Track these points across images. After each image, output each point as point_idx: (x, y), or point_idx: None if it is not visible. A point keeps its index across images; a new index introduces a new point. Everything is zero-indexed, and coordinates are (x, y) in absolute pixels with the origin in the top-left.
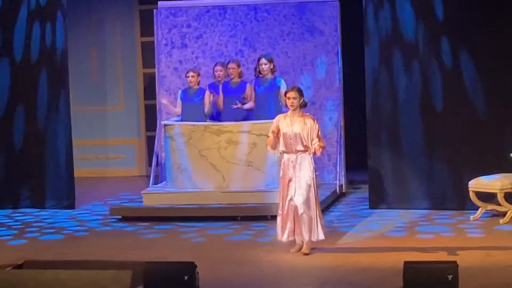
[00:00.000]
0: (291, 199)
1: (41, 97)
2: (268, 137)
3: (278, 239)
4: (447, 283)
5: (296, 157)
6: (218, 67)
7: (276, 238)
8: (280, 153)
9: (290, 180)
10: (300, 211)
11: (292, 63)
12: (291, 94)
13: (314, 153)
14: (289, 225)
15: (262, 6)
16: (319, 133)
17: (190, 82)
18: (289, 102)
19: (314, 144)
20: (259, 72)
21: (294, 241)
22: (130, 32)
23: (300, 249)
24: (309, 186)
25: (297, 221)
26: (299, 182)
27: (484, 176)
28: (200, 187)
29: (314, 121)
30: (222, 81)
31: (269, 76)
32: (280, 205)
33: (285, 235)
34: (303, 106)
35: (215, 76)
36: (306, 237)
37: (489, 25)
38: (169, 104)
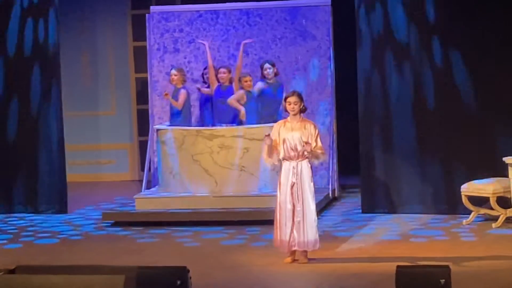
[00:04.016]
0: (293, 207)
1: (34, 100)
2: (266, 144)
3: (275, 245)
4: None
5: (296, 164)
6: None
7: (272, 244)
8: (280, 160)
9: (292, 186)
10: (298, 219)
11: (284, 67)
12: (292, 99)
13: (311, 156)
14: (288, 233)
15: (255, 10)
16: (319, 138)
17: (172, 80)
18: (289, 107)
19: (313, 148)
20: (263, 76)
21: (289, 251)
22: (122, 36)
23: (294, 258)
24: (312, 195)
25: (296, 229)
26: (301, 190)
27: (476, 180)
28: (192, 191)
29: (314, 126)
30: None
31: (274, 80)
32: (279, 210)
33: (286, 246)
34: (303, 111)
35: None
36: (307, 247)
37: (480, 25)
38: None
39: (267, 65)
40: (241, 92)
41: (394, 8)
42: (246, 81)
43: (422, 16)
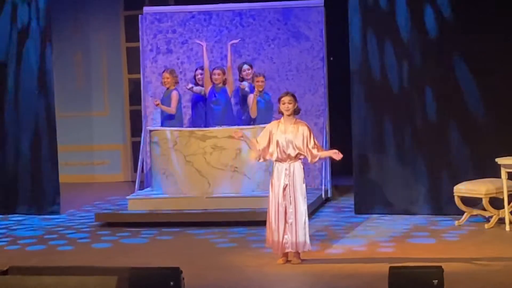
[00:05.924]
0: (285, 208)
1: (25, 102)
2: (257, 142)
3: (267, 246)
4: None
5: (289, 165)
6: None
7: (265, 245)
8: (274, 160)
9: (284, 188)
10: (291, 220)
11: (277, 68)
12: (286, 98)
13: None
14: (281, 234)
15: (248, 11)
16: (315, 139)
17: (165, 82)
18: (284, 107)
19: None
20: (242, 77)
21: (281, 252)
22: (115, 37)
23: (287, 259)
24: (303, 197)
25: (288, 230)
26: (293, 192)
27: (469, 181)
28: (185, 192)
29: (307, 128)
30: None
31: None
32: (272, 212)
33: (278, 247)
34: (296, 112)
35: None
36: (299, 248)
37: (483, 27)
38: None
39: (245, 66)
40: (254, 94)
41: (389, 9)
42: (258, 81)
43: (419, 16)
